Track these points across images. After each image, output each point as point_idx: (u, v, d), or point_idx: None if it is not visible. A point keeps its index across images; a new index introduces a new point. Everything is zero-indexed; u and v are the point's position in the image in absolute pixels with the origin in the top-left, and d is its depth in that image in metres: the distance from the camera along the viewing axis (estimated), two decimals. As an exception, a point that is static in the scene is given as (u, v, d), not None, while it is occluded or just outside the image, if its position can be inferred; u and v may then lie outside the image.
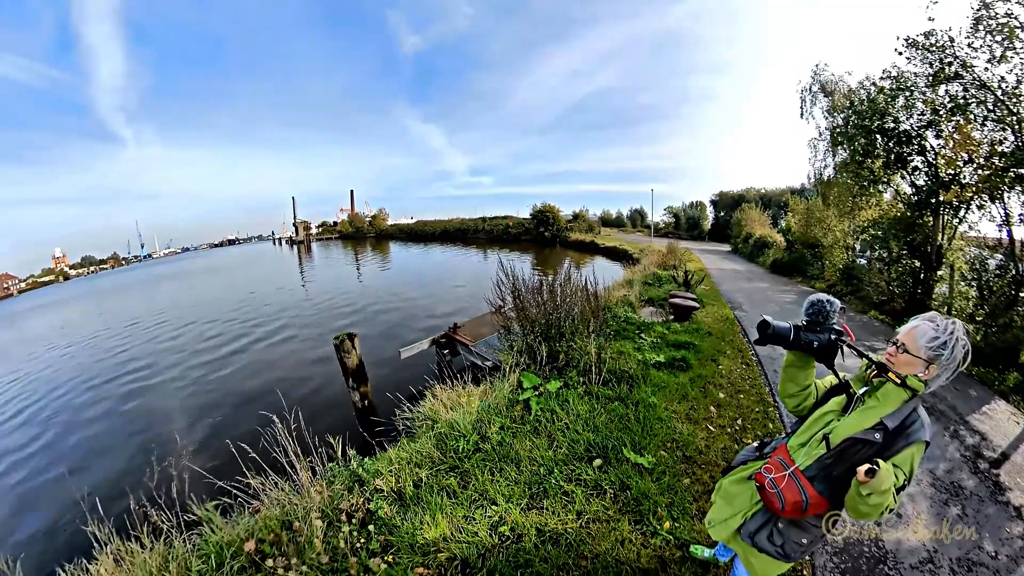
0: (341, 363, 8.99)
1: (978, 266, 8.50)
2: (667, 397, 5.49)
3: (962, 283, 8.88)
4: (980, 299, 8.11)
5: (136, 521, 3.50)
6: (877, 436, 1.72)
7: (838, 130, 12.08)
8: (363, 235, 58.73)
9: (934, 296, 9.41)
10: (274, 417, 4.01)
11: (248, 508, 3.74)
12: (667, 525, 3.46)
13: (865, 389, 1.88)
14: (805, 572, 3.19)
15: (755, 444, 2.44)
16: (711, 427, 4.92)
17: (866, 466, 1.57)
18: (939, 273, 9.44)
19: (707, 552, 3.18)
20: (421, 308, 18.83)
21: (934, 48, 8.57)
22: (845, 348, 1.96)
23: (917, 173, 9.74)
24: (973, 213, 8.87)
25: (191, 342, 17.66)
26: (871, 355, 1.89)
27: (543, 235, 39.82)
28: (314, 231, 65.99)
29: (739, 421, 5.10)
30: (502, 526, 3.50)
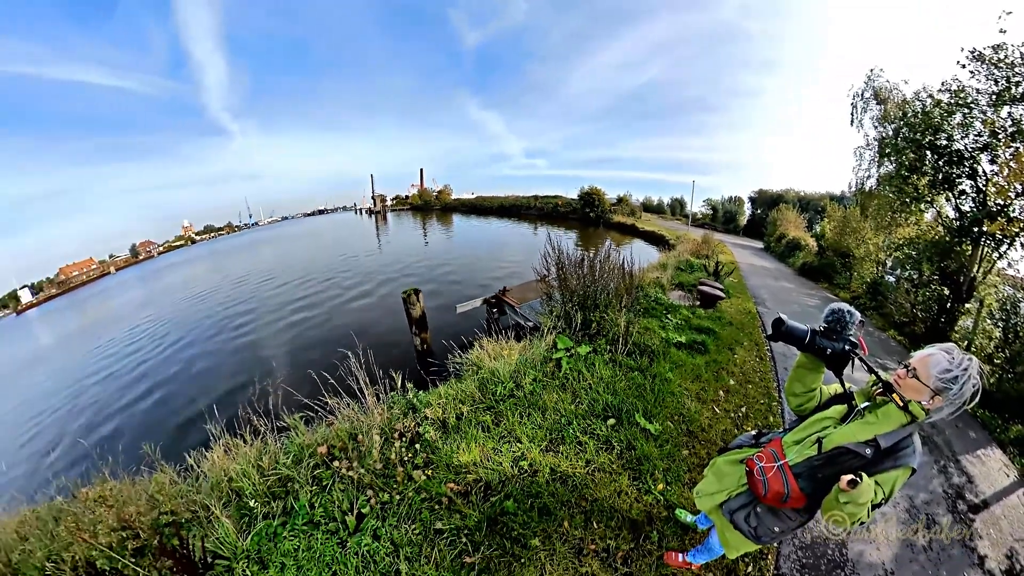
0: (407, 313, 9.40)
1: (1009, 307, 7.22)
2: (682, 375, 5.34)
3: (988, 321, 7.53)
4: (1004, 342, 6.88)
5: (241, 423, 3.85)
6: (868, 451, 1.60)
7: (887, 141, 10.28)
8: (430, 207, 59.14)
9: (957, 328, 8.14)
10: (349, 353, 4.19)
11: (324, 421, 4.03)
12: (660, 487, 3.46)
13: (867, 404, 1.74)
14: (770, 556, 3.12)
15: (753, 432, 2.34)
16: (717, 409, 4.77)
17: (850, 476, 1.51)
18: (967, 306, 8.13)
19: (690, 518, 3.18)
20: (477, 272, 19.06)
21: (1002, 64, 7.12)
22: (856, 360, 1.81)
23: (964, 198, 8.24)
24: (1016, 250, 7.55)
25: (287, 292, 18.94)
26: (880, 372, 1.75)
27: (588, 215, 38.16)
28: (389, 203, 67.11)
29: (743, 409, 4.89)
30: (523, 461, 3.62)
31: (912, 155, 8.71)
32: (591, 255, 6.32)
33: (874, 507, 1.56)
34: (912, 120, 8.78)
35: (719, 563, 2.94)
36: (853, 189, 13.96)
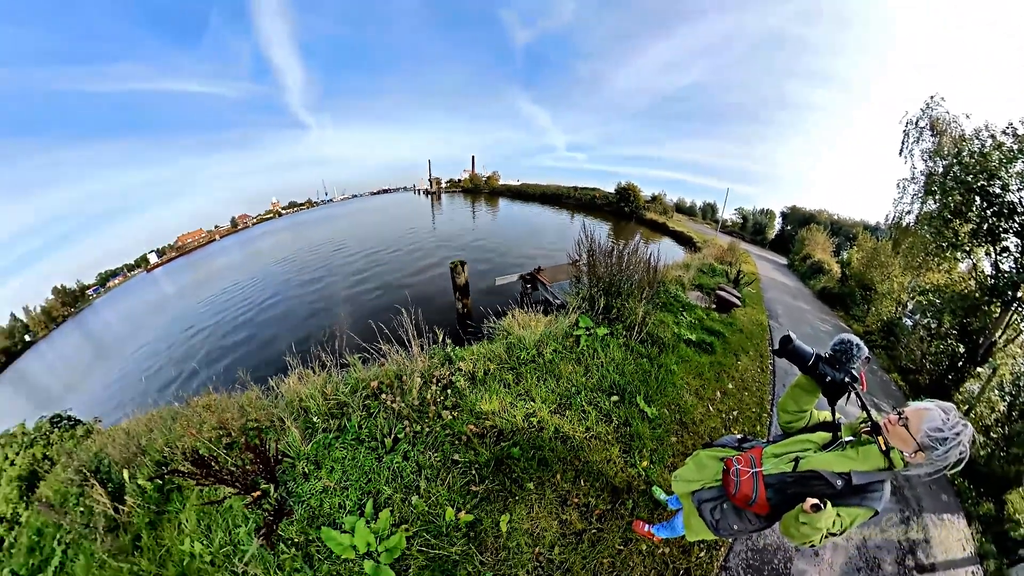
0: (452, 280, 9.63)
1: (1022, 383, 6.14)
2: (686, 370, 5.16)
3: (996, 391, 6.41)
4: (1006, 417, 5.89)
5: (312, 358, 4.21)
6: (839, 483, 1.50)
7: (935, 178, 8.40)
8: (480, 191, 58.38)
9: (962, 389, 6.92)
10: (403, 310, 4.38)
11: (377, 362, 4.28)
12: (645, 464, 3.49)
13: (851, 439, 1.61)
14: (723, 548, 3.10)
15: (739, 436, 2.24)
16: (711, 407, 4.60)
17: (815, 501, 1.44)
18: (979, 369, 6.94)
19: (663, 496, 3.18)
20: (516, 251, 19.14)
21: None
22: (853, 394, 1.67)
23: (1006, 255, 6.75)
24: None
25: (355, 257, 19.89)
26: (873, 412, 1.58)
27: (622, 209, 35.79)
28: (443, 185, 67.90)
29: (735, 413, 4.66)
30: (533, 417, 3.74)
31: (959, 198, 7.13)
32: (621, 247, 6.07)
33: (828, 535, 1.49)
34: (967, 160, 7.25)
35: (677, 542, 2.97)
36: (889, 222, 11.88)
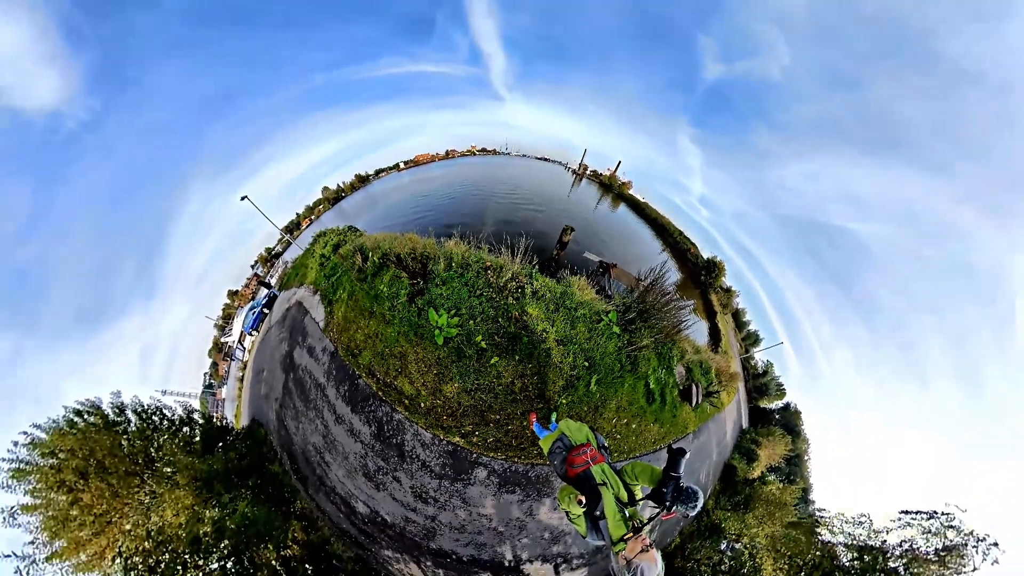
0: (560, 236, 9.89)
1: None
2: (628, 393, 5.00)
3: None
4: None
5: (464, 236, 5.09)
6: (597, 512, 1.90)
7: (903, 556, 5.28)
8: (611, 189, 54.65)
9: None
10: (523, 235, 4.97)
11: (494, 253, 4.98)
12: (564, 401, 4.23)
13: (626, 516, 1.84)
14: (543, 461, 4.06)
15: (607, 444, 2.62)
16: (615, 420, 4.72)
17: (583, 499, 1.92)
18: None
19: (554, 419, 3.93)
20: (610, 244, 18.30)
21: None
22: (660, 512, 1.81)
23: None
24: None
25: (511, 192, 20.95)
26: (648, 527, 1.78)
27: (699, 275, 29.71)
28: (588, 172, 63.85)
29: (618, 436, 4.78)
30: (545, 333, 4.33)
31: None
32: (675, 296, 5.62)
33: (566, 512, 1.99)
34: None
35: (535, 437, 3.81)
36: (821, 514, 7.67)
